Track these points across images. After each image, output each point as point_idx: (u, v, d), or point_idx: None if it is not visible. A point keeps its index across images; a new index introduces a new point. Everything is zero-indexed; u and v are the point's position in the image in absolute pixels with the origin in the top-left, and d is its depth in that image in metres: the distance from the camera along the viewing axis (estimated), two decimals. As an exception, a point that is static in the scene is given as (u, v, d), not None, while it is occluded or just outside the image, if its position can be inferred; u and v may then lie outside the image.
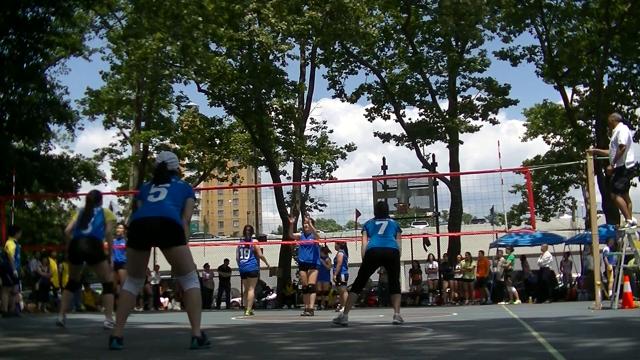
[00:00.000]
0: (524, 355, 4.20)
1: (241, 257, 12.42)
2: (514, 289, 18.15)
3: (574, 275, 20.36)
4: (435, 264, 20.15)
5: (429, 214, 22.54)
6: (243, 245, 12.44)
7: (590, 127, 26.36)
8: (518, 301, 17.63)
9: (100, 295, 9.49)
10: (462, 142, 25.41)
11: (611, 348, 4.44)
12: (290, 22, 21.12)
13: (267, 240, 25.77)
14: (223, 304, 21.68)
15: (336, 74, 26.17)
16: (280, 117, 25.38)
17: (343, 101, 26.73)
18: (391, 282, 8.52)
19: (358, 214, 20.76)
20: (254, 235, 13.60)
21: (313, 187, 26.43)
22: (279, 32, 21.84)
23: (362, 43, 23.41)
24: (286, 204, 24.47)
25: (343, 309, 8.03)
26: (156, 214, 4.79)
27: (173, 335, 7.08)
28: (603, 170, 21.49)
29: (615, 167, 9.75)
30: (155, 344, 5.81)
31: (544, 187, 29.04)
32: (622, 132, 9.71)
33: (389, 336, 6.13)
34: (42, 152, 21.98)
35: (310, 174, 26.45)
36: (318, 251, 13.13)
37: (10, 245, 12.52)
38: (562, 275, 20.00)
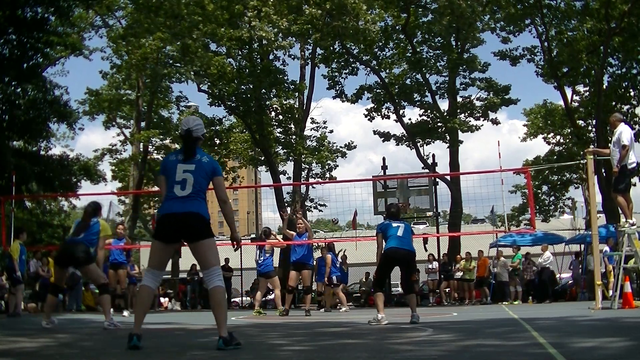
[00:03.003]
0: (524, 355, 4.20)
1: (259, 258, 12.73)
2: (519, 289, 18.12)
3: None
4: (435, 264, 20.14)
5: (429, 214, 22.51)
6: (261, 247, 12.73)
7: (590, 127, 26.36)
8: (518, 301, 17.62)
9: (97, 297, 9.56)
10: (462, 142, 25.45)
11: (611, 348, 4.44)
12: (290, 21, 21.10)
13: (267, 241, 25.73)
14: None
15: (336, 74, 26.16)
16: (280, 117, 25.38)
17: (343, 102, 26.75)
18: (405, 283, 8.62)
19: (355, 215, 20.74)
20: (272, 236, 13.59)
21: (313, 187, 26.43)
22: (280, 30, 21.82)
23: (362, 42, 23.39)
24: (286, 204, 24.45)
25: (377, 311, 8.15)
26: (183, 209, 4.82)
27: (173, 335, 7.08)
28: (603, 170, 21.53)
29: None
30: (155, 344, 5.80)
31: (544, 188, 29.04)
32: (624, 133, 9.69)
33: (389, 336, 6.13)
34: (42, 152, 22.00)
35: (310, 174, 26.44)
36: (312, 251, 13.16)
37: (15, 246, 12.59)
38: (571, 274, 19.82)
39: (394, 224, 8.43)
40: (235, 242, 5.24)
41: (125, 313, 12.89)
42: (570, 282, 19.75)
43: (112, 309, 13.84)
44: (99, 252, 8.13)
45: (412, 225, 10.13)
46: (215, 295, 4.86)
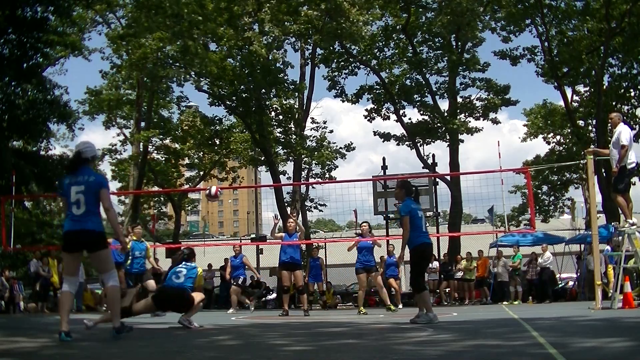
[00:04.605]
0: (524, 355, 4.20)
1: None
2: (519, 289, 18.12)
3: (574, 275, 20.34)
4: (436, 263, 20.12)
5: (429, 214, 22.49)
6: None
7: (590, 127, 26.36)
8: (518, 301, 17.61)
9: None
10: (462, 141, 25.38)
11: (611, 348, 4.44)
12: (289, 22, 21.07)
13: (267, 240, 25.76)
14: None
15: (336, 74, 26.13)
16: (280, 117, 25.36)
17: (344, 101, 26.73)
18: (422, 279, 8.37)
19: (356, 214, 20.71)
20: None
21: (313, 187, 26.43)
22: (275, 39, 21.80)
23: (357, 43, 23.35)
24: (286, 204, 24.46)
25: (425, 309, 7.88)
26: (80, 227, 5.78)
27: (173, 335, 7.07)
28: (603, 170, 21.52)
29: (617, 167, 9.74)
30: (155, 344, 5.81)
31: (544, 188, 29.04)
32: (623, 133, 9.69)
33: (389, 336, 6.13)
34: (42, 152, 21.97)
35: (310, 174, 26.43)
36: (301, 251, 13.14)
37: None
38: (577, 276, 19.71)
39: (419, 213, 8.03)
40: (122, 247, 6.67)
41: None
42: (574, 282, 19.69)
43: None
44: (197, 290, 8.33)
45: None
46: (110, 292, 5.91)
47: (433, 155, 24.93)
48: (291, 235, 12.52)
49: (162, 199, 31.96)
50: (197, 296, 8.08)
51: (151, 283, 11.78)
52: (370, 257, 12.75)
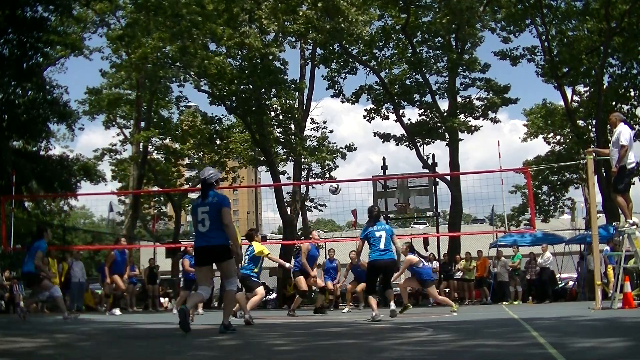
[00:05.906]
0: (524, 355, 4.20)
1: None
2: (519, 289, 18.11)
3: (574, 275, 20.32)
4: (436, 263, 20.10)
5: (429, 214, 22.51)
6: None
7: (590, 127, 26.36)
8: (518, 301, 17.61)
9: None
10: (461, 140, 25.29)
11: (610, 348, 4.44)
12: (288, 21, 21.02)
13: (267, 240, 25.77)
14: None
15: (335, 74, 26.08)
16: (281, 117, 25.34)
17: (343, 102, 26.69)
18: (386, 282, 9.96)
19: (355, 214, 20.69)
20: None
21: (313, 187, 26.42)
22: (272, 33, 21.73)
23: (355, 43, 23.29)
24: (286, 204, 24.46)
25: (372, 310, 9.28)
26: (207, 243, 6.71)
27: (173, 335, 7.07)
28: (603, 170, 21.53)
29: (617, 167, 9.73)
30: (156, 344, 5.80)
31: (544, 188, 29.04)
32: (623, 133, 9.68)
33: (388, 336, 6.13)
34: (42, 152, 21.97)
35: (310, 174, 26.42)
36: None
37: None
38: (577, 276, 19.67)
39: (377, 233, 9.29)
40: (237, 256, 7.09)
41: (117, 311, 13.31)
42: (574, 282, 19.66)
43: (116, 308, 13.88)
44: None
45: (412, 225, 10.51)
46: (227, 295, 6.98)
47: (433, 155, 24.94)
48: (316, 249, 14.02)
49: (162, 199, 31.97)
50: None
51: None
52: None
